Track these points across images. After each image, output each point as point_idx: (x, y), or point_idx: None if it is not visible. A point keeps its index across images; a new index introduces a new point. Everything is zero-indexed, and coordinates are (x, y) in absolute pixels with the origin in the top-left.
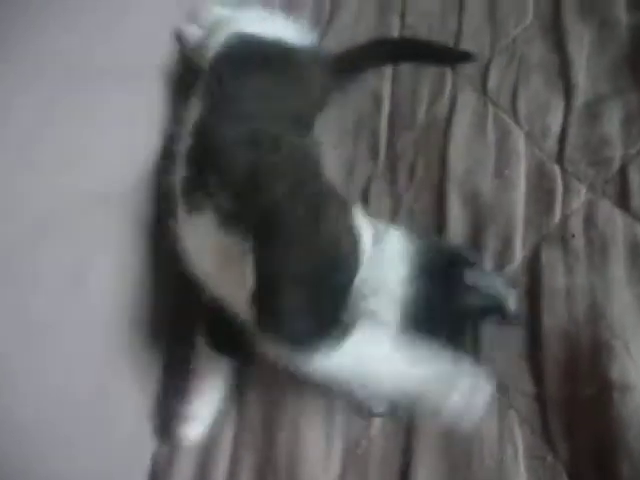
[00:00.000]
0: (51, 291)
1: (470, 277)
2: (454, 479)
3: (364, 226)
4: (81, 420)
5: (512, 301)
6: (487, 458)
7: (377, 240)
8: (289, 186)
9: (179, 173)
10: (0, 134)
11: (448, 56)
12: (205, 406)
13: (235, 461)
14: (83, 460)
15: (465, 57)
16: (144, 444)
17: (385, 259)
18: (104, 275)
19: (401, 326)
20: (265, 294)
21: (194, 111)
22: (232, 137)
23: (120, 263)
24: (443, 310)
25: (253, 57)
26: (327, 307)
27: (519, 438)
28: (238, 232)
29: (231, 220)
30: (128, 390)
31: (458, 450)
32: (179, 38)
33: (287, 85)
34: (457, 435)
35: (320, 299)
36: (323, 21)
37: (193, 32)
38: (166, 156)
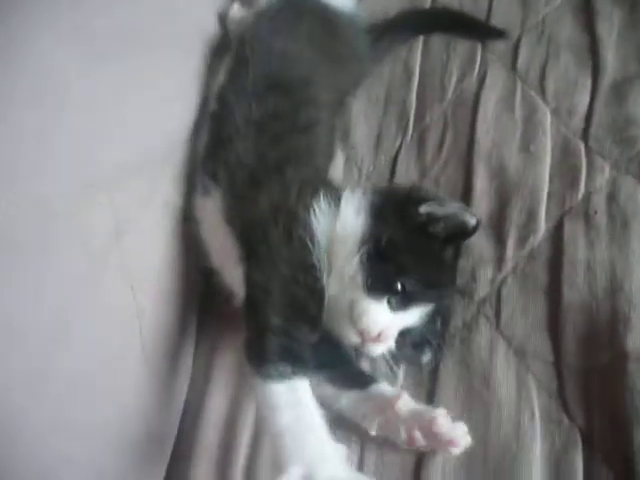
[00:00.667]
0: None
1: (425, 208)
2: (473, 441)
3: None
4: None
5: (470, 216)
6: (505, 421)
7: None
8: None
9: (202, 140)
10: (38, 97)
11: (480, 30)
12: None
13: None
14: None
15: (497, 33)
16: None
17: (343, 225)
18: (134, 252)
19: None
20: (249, 314)
21: (221, 74)
22: (248, 113)
23: (151, 239)
24: (409, 245)
25: (298, 19)
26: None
27: (536, 402)
28: (234, 232)
29: (231, 216)
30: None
31: (476, 414)
32: (222, 18)
33: (333, 53)
34: (476, 400)
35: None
36: None
37: (236, 11)
38: (198, 121)
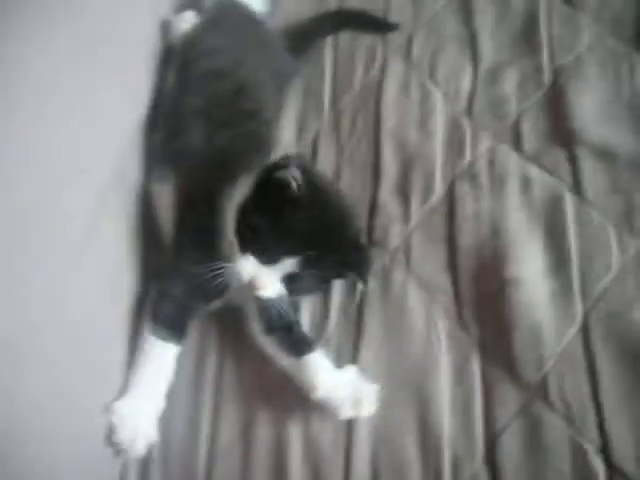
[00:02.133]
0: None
1: (281, 174)
2: (394, 359)
3: None
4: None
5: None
6: (417, 342)
7: None
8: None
9: (158, 135)
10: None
11: (379, 25)
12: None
13: None
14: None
15: (392, 27)
16: None
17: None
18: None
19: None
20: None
21: (170, 76)
22: (194, 104)
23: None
24: (264, 211)
25: (228, 22)
26: None
27: (441, 325)
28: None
29: (177, 198)
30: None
31: (395, 338)
32: (166, 28)
33: (259, 47)
34: (394, 327)
35: None
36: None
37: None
38: (152, 119)
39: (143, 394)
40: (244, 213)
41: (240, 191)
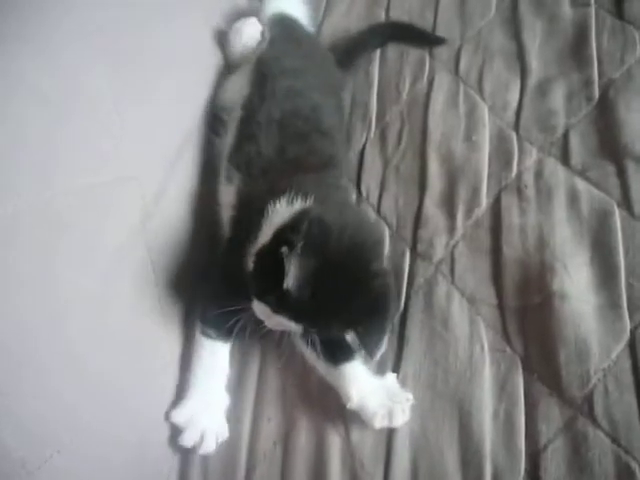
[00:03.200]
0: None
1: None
2: (436, 371)
3: None
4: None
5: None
6: (461, 354)
7: None
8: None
9: (229, 139)
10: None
11: (427, 38)
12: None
13: None
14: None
15: (439, 41)
16: None
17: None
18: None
19: None
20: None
21: (245, 86)
22: (271, 115)
23: (169, 222)
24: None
25: (302, 42)
26: None
27: (485, 337)
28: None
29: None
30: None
31: (438, 349)
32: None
33: (322, 68)
34: (437, 338)
35: None
36: (320, 14)
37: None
38: (216, 124)
39: (202, 393)
40: (263, 257)
41: (265, 233)
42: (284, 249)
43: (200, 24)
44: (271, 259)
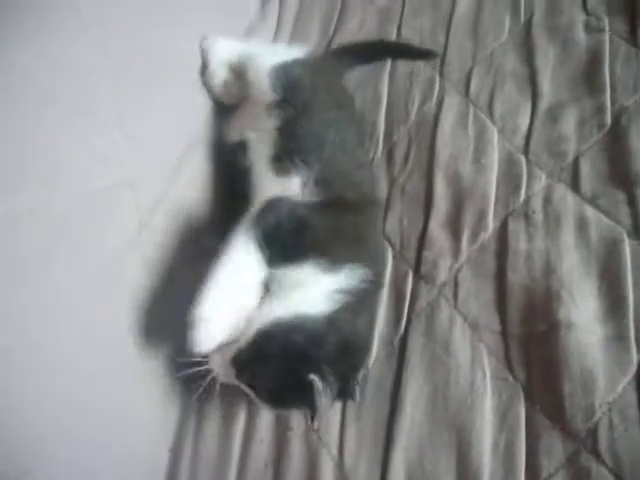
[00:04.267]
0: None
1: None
2: (435, 397)
3: None
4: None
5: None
6: (462, 381)
7: None
8: None
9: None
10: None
11: (416, 53)
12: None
13: None
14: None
15: (429, 54)
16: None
17: None
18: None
19: None
20: None
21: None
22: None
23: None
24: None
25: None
26: None
27: (487, 365)
28: None
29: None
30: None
31: (439, 375)
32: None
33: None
34: (438, 364)
35: None
36: (331, 29)
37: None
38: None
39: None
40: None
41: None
42: (316, 381)
43: (205, 28)
44: (279, 350)
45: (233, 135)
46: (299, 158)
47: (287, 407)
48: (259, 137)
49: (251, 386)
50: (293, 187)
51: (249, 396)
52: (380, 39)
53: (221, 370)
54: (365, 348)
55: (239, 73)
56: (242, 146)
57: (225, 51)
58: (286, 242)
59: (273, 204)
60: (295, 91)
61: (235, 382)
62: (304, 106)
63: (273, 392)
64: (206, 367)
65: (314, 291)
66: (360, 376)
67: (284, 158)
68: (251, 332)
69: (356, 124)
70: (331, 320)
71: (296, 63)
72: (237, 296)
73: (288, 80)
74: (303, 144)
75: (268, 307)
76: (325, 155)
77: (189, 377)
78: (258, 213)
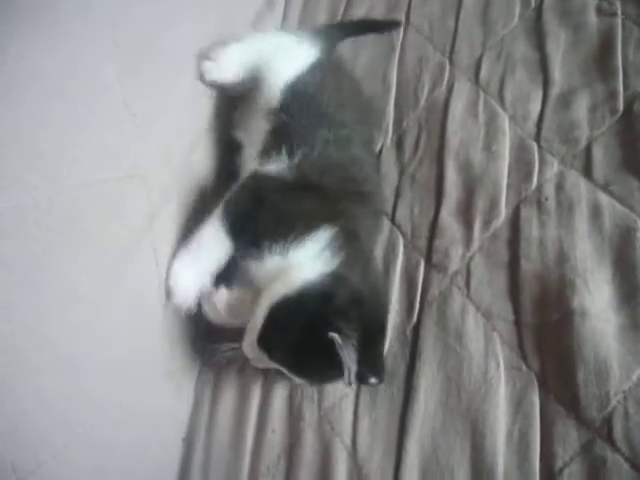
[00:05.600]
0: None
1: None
2: (449, 386)
3: None
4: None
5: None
6: (475, 370)
7: None
8: None
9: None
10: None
11: (381, 25)
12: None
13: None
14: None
15: (394, 24)
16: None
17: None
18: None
19: None
20: None
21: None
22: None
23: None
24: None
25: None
26: None
27: (500, 354)
28: None
29: None
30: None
31: (452, 365)
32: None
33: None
34: (451, 353)
35: None
36: (339, 17)
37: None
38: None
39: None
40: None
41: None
42: (335, 336)
43: (215, 22)
44: (294, 319)
45: (230, 131)
46: (287, 152)
47: (323, 376)
48: (249, 138)
49: (284, 364)
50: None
51: (286, 378)
52: (347, 21)
53: (254, 356)
54: (379, 297)
55: (251, 77)
56: (236, 143)
57: (234, 60)
58: (253, 214)
59: (247, 181)
60: (303, 107)
61: (270, 364)
62: (305, 112)
63: (303, 363)
64: (238, 351)
65: (304, 260)
66: (385, 346)
67: (272, 152)
68: (264, 313)
69: (362, 122)
70: (332, 275)
71: (309, 75)
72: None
73: (300, 101)
74: (293, 141)
75: (274, 289)
76: (316, 152)
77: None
78: (229, 196)
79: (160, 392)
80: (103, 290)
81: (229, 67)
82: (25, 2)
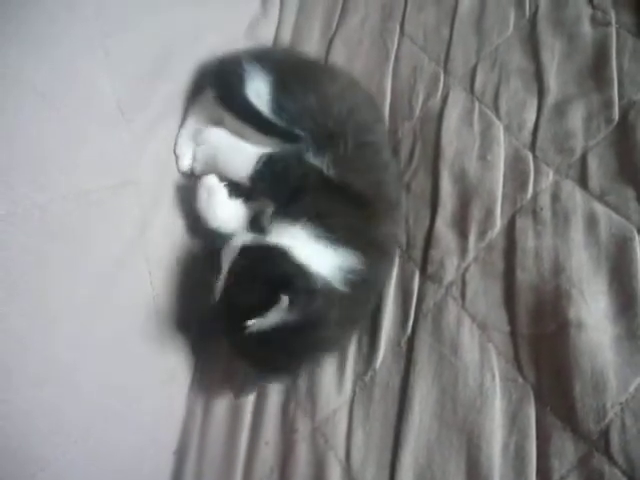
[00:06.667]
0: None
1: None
2: (444, 398)
3: None
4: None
5: None
6: (470, 382)
7: None
8: None
9: None
10: None
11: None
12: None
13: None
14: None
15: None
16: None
17: None
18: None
19: None
20: None
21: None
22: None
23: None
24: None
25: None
26: None
27: (496, 366)
28: None
29: None
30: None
31: (447, 376)
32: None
33: None
34: (446, 365)
35: None
36: (333, 25)
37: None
38: None
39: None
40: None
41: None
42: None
43: (210, 27)
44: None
45: None
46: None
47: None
48: None
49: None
50: None
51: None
52: None
53: None
54: None
55: None
56: None
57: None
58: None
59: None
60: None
61: None
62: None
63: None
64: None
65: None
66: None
67: None
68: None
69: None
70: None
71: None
72: None
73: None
74: None
75: None
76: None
77: None
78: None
79: (152, 403)
80: (95, 299)
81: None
82: (15, 13)
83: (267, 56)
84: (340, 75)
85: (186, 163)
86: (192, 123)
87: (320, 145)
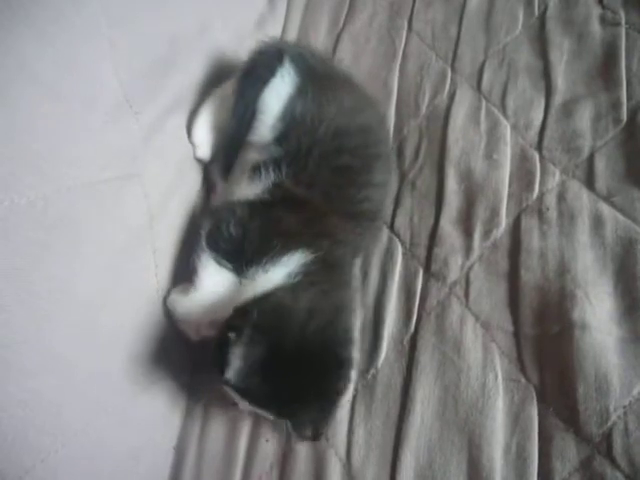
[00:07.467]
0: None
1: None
2: (446, 398)
3: None
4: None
5: None
6: (473, 382)
7: None
8: None
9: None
10: None
11: None
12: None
13: None
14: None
15: None
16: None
17: None
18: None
19: None
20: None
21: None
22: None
23: (175, 225)
24: None
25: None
26: None
27: (499, 366)
28: None
29: None
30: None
31: (449, 376)
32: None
33: None
34: (449, 364)
35: None
36: (341, 22)
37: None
38: None
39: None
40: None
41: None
42: (232, 335)
43: (217, 21)
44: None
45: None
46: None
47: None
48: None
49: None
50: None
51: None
52: None
53: None
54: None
55: None
56: None
57: (209, 142)
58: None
59: (217, 217)
60: (300, 133)
61: None
62: (302, 136)
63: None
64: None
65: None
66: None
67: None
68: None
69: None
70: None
71: (297, 100)
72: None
73: (295, 128)
74: (282, 162)
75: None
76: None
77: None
78: (208, 229)
79: (153, 398)
80: (100, 292)
81: (207, 150)
82: (20, 4)
83: (303, 59)
84: (356, 92)
85: (204, 151)
86: (208, 113)
87: (294, 161)
